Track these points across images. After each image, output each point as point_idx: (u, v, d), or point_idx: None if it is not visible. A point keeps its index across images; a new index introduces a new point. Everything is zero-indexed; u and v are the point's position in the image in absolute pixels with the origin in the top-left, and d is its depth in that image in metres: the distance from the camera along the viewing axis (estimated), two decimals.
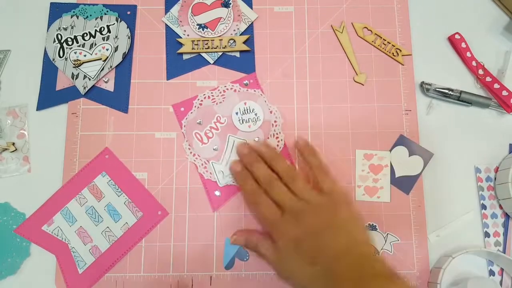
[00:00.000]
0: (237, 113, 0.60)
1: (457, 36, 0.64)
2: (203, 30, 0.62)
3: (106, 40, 0.62)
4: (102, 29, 0.62)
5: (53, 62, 0.62)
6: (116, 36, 0.62)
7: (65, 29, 0.63)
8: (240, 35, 0.63)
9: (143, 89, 0.62)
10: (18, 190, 0.59)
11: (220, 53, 0.63)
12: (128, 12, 0.64)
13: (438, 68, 0.64)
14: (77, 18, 0.63)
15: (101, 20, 0.63)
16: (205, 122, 0.60)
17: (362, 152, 0.61)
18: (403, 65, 0.63)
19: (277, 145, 0.60)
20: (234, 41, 0.62)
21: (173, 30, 0.64)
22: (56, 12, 0.64)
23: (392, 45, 0.64)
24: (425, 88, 0.62)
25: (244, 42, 0.63)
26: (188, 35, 0.63)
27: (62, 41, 0.62)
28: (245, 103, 0.60)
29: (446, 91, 0.61)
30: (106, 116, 0.61)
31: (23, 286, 0.57)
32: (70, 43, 0.62)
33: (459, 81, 0.63)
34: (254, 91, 0.62)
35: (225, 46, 0.62)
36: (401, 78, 0.63)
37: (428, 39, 0.65)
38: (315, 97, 0.62)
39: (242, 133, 0.60)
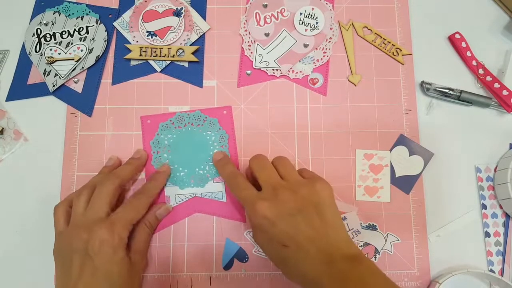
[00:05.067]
0: (301, 13, 0.62)
1: (457, 36, 0.63)
2: (152, 37, 0.62)
3: (83, 40, 0.62)
4: (81, 29, 0.62)
5: (28, 55, 0.62)
6: (93, 38, 0.62)
7: (46, 24, 0.63)
8: (191, 45, 0.63)
9: (142, 88, 0.62)
10: (18, 189, 0.59)
11: (168, 62, 0.62)
12: (110, 15, 0.64)
13: (438, 68, 0.64)
14: (59, 15, 0.63)
15: (82, 20, 0.63)
16: (270, 8, 0.63)
17: (362, 152, 0.61)
18: (403, 64, 0.63)
19: (321, 59, 0.62)
20: (183, 50, 0.62)
21: (123, 36, 0.63)
22: (41, 6, 0.64)
23: (392, 44, 0.63)
24: (425, 87, 0.62)
25: (193, 53, 0.62)
26: (137, 41, 0.63)
27: (40, 36, 0.62)
28: (312, 8, 0.62)
29: (446, 90, 0.61)
30: (105, 116, 0.61)
31: (23, 286, 0.57)
32: (48, 39, 0.62)
33: (459, 81, 0.63)
34: (326, 3, 0.63)
35: (173, 55, 0.61)
36: (401, 78, 0.63)
37: (428, 38, 0.65)
38: (315, 97, 0.62)
39: (297, 33, 0.62)
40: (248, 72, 0.62)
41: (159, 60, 0.62)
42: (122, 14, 0.64)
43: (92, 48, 0.62)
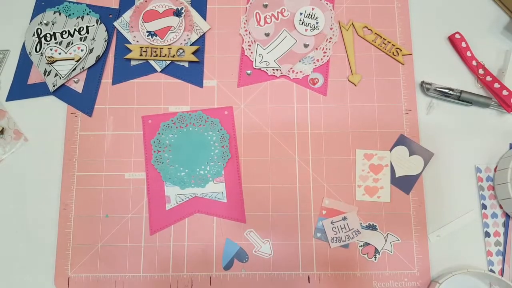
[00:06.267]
0: (301, 14, 0.62)
1: (457, 36, 0.63)
2: (152, 37, 0.62)
3: (83, 40, 0.62)
4: (81, 29, 0.62)
5: (29, 55, 0.62)
6: (93, 38, 0.62)
7: (46, 24, 0.63)
8: (191, 45, 0.63)
9: (142, 88, 0.62)
10: (18, 189, 0.59)
11: (169, 62, 0.62)
12: (110, 15, 0.64)
13: (438, 68, 0.64)
14: (60, 15, 0.63)
15: (82, 20, 0.63)
16: (270, 8, 0.63)
17: (362, 152, 0.61)
18: (403, 64, 0.63)
19: (321, 59, 0.62)
20: (184, 50, 0.62)
21: (123, 35, 0.63)
22: (41, 5, 0.64)
23: (392, 44, 0.63)
24: (425, 87, 0.62)
25: (193, 53, 0.62)
26: (137, 41, 0.63)
27: (41, 36, 0.62)
28: (312, 8, 0.62)
29: (446, 90, 0.61)
30: (105, 116, 0.61)
31: (23, 286, 0.57)
32: (48, 39, 0.62)
33: (459, 81, 0.63)
34: (327, 3, 0.63)
35: (174, 55, 0.61)
36: (401, 78, 0.63)
37: (428, 38, 0.65)
38: (315, 97, 0.62)
39: (297, 33, 0.62)
40: (248, 72, 0.62)
41: (159, 60, 0.62)
42: (123, 14, 0.64)
43: (93, 48, 0.62)
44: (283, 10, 0.63)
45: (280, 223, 0.59)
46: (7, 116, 0.61)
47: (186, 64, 0.63)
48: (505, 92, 0.61)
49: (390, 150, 0.61)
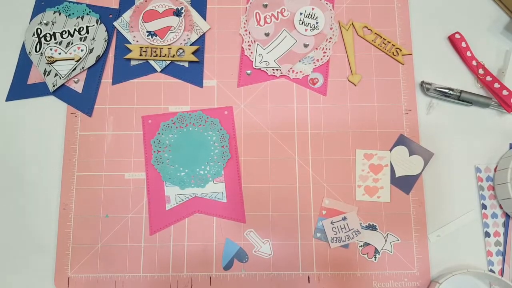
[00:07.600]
0: (301, 13, 0.62)
1: (457, 36, 0.63)
2: (152, 37, 0.62)
3: (83, 40, 0.62)
4: (81, 29, 0.62)
5: (28, 55, 0.62)
6: (93, 38, 0.62)
7: (46, 24, 0.63)
8: (191, 45, 0.63)
9: (142, 87, 0.63)
10: (18, 189, 0.59)
11: (169, 62, 0.62)
12: (110, 15, 0.64)
13: (438, 68, 0.64)
14: (59, 15, 0.63)
15: (82, 20, 0.63)
16: (270, 8, 0.63)
17: (362, 152, 0.61)
18: (403, 64, 0.63)
19: (321, 59, 0.62)
20: (183, 50, 0.62)
21: (123, 35, 0.64)
22: (41, 5, 0.64)
23: (392, 44, 0.63)
24: (425, 87, 0.62)
25: (193, 53, 0.62)
26: (137, 41, 0.63)
27: (41, 35, 0.62)
28: (312, 8, 0.62)
29: (446, 90, 0.61)
30: (105, 116, 0.61)
31: (23, 285, 0.57)
32: (48, 38, 0.62)
33: (459, 81, 0.63)
34: (326, 3, 0.63)
35: (174, 55, 0.61)
36: (401, 78, 0.63)
37: (428, 38, 0.65)
38: (315, 97, 0.62)
39: (297, 33, 0.62)
40: (248, 72, 0.63)
41: (159, 60, 0.62)
42: (122, 14, 0.64)
43: (92, 48, 0.62)
44: (283, 10, 0.63)
45: (280, 223, 0.59)
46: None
47: (186, 64, 0.63)
48: (505, 92, 0.61)
49: (390, 150, 0.61)
